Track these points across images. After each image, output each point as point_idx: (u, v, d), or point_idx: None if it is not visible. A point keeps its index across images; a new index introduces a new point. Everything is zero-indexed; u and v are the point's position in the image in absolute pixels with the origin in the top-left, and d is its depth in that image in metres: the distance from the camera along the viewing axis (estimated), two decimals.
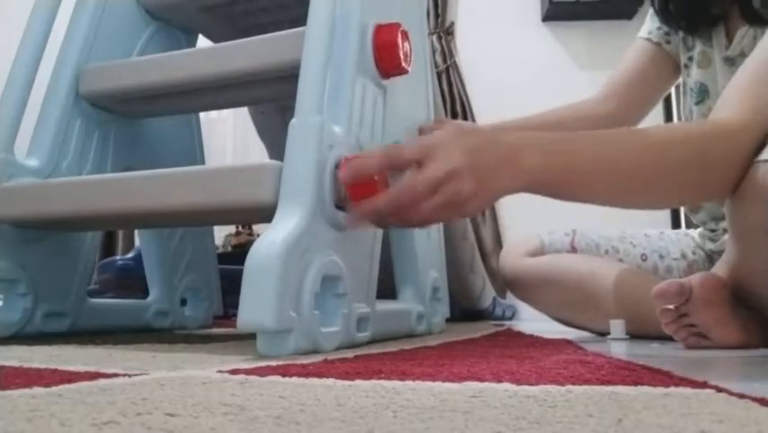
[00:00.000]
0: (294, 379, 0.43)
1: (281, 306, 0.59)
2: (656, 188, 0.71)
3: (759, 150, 0.68)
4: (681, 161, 0.69)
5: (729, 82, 0.77)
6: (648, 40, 1.09)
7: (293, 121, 0.69)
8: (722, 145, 0.70)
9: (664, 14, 1.03)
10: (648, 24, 1.10)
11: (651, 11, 1.09)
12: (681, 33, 1.05)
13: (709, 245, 1.08)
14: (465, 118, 2.37)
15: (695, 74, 1.02)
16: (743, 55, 0.95)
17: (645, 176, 0.69)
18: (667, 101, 2.35)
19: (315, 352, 0.63)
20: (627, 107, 1.10)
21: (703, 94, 1.02)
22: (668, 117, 2.42)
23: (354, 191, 0.66)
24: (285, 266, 0.60)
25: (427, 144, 0.63)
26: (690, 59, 1.04)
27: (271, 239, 0.61)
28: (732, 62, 0.96)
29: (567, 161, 0.66)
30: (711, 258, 1.08)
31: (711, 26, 0.98)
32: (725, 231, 1.02)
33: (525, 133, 0.67)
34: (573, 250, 1.12)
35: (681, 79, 1.09)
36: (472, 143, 0.63)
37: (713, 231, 1.07)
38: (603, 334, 1.01)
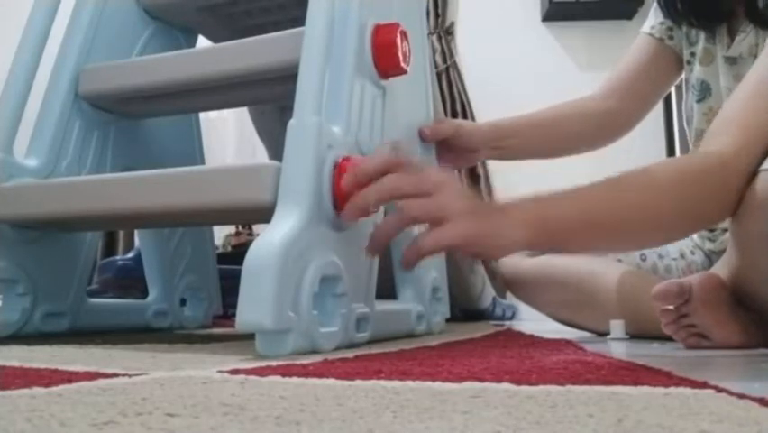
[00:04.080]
0: (294, 379, 0.43)
1: (279, 306, 0.59)
2: (651, 233, 0.72)
3: (754, 173, 0.69)
4: (673, 204, 0.70)
5: (722, 106, 0.77)
6: (651, 35, 1.08)
7: (291, 121, 0.69)
8: (716, 176, 0.70)
9: (670, 10, 1.02)
10: (651, 19, 1.09)
11: (654, 5, 1.08)
12: (684, 28, 1.04)
13: (708, 245, 1.08)
14: (465, 118, 2.37)
15: (697, 71, 1.02)
16: (742, 57, 0.95)
17: (636, 225, 0.70)
18: (667, 101, 2.35)
19: (313, 352, 0.63)
20: (629, 104, 1.09)
21: (705, 92, 1.01)
22: (668, 116, 2.42)
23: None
24: (283, 266, 0.60)
25: (433, 182, 0.66)
26: (693, 54, 1.03)
27: (269, 239, 0.61)
28: (733, 61, 0.96)
29: (556, 227, 0.68)
30: (710, 258, 1.08)
31: (718, 23, 0.97)
32: (723, 231, 1.02)
33: (515, 201, 0.69)
34: None
35: (683, 75, 1.08)
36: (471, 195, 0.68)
37: (712, 231, 1.07)
38: (603, 334, 1.01)
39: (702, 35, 1.00)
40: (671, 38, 1.06)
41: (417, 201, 0.65)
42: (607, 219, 0.69)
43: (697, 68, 1.02)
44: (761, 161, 0.69)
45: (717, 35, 0.98)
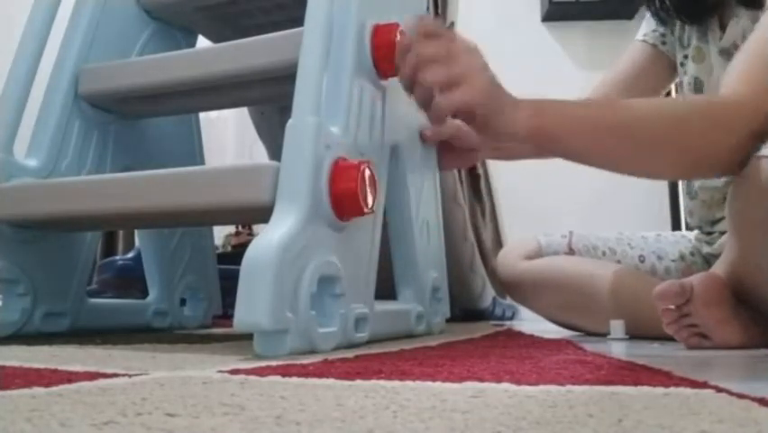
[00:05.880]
0: (294, 379, 0.43)
1: (277, 306, 0.59)
2: (645, 149, 0.75)
3: (759, 132, 0.71)
4: (674, 124, 0.74)
5: (730, 63, 0.79)
6: (644, 41, 1.11)
7: (290, 121, 0.69)
8: (722, 117, 0.74)
9: (661, 14, 1.04)
10: (644, 28, 1.12)
11: (647, 15, 1.10)
12: (676, 33, 1.06)
13: (706, 249, 1.07)
14: None
15: (690, 70, 1.03)
16: (735, 46, 0.95)
17: (636, 140, 0.74)
18: None
19: (312, 352, 0.63)
20: None
21: (698, 89, 1.03)
22: None
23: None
24: (280, 266, 0.60)
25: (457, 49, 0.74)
26: (686, 57, 1.05)
27: (267, 239, 0.61)
28: (727, 53, 0.96)
29: (556, 118, 0.75)
30: (708, 261, 1.08)
31: (709, 16, 0.99)
32: (720, 234, 1.02)
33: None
34: (570, 252, 1.12)
35: (678, 79, 1.10)
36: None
37: (709, 234, 1.07)
38: (602, 335, 1.01)
39: (694, 36, 1.02)
40: (663, 43, 1.09)
41: (433, 68, 0.72)
42: (606, 125, 0.75)
43: (690, 67, 1.03)
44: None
45: (708, 31, 1.00)
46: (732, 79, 0.77)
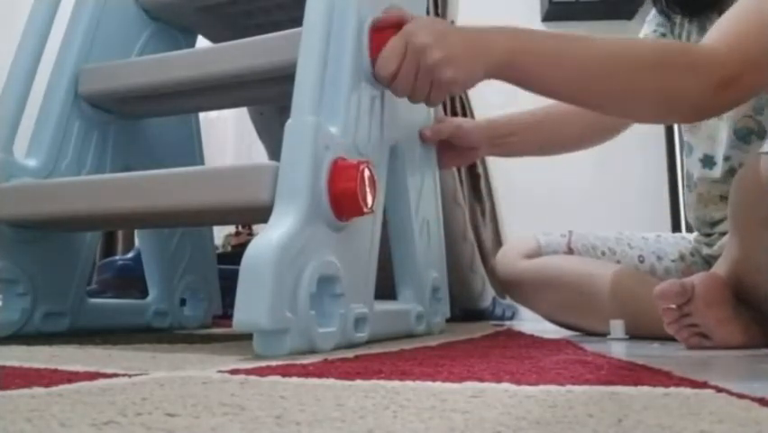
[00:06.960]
0: (294, 379, 0.43)
1: (276, 306, 0.59)
2: (611, 83, 0.78)
3: (726, 81, 0.74)
4: (641, 62, 0.77)
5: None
6: None
7: (289, 122, 0.69)
8: (700, 58, 0.76)
9: (663, 8, 1.04)
10: (645, 29, 1.13)
11: (649, 17, 1.11)
12: (676, 31, 1.06)
13: (706, 250, 1.07)
14: (465, 117, 2.37)
15: None
16: None
17: (603, 66, 0.78)
18: None
19: (311, 352, 0.63)
20: None
21: None
22: None
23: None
24: (280, 266, 0.60)
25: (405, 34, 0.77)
26: None
27: (266, 239, 0.61)
28: None
29: (529, 47, 0.78)
30: (709, 262, 1.08)
31: (710, 11, 0.99)
32: (720, 235, 1.02)
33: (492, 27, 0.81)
34: (570, 251, 1.12)
35: None
36: (443, 31, 0.77)
37: (708, 235, 1.07)
38: (601, 335, 1.01)
39: (695, 33, 1.02)
40: None
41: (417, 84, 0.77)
42: (581, 55, 0.77)
43: None
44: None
45: (708, 24, 1.00)
46: (713, 32, 0.79)
